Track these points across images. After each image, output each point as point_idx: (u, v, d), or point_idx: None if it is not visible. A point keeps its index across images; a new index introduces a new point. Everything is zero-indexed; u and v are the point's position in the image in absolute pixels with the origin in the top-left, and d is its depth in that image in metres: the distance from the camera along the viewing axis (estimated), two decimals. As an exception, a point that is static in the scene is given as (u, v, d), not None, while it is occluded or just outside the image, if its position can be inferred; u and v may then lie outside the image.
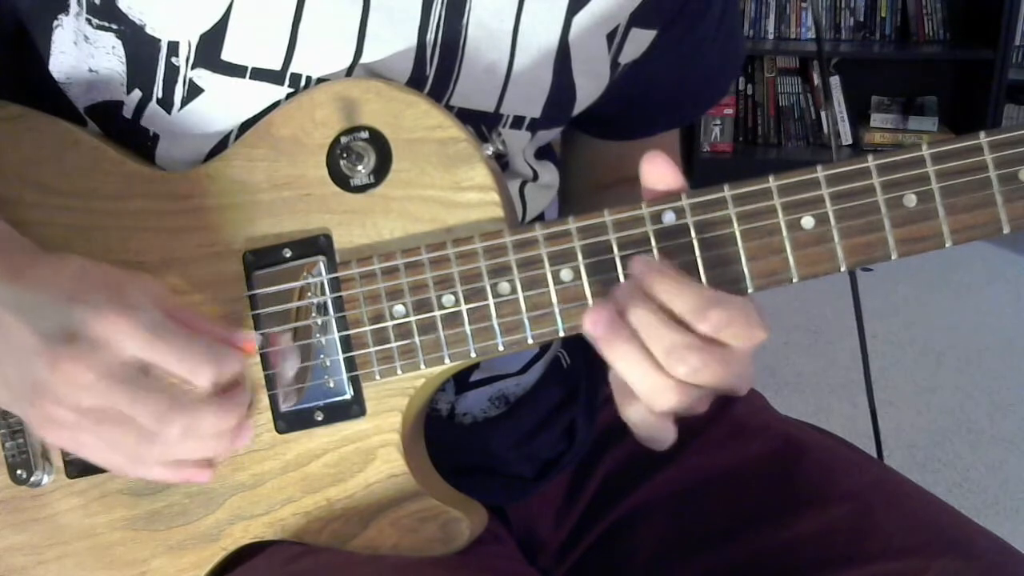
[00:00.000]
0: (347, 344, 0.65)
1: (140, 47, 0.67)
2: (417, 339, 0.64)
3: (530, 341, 0.63)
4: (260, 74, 0.67)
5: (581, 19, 0.72)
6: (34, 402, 0.58)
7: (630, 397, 0.59)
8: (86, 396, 0.57)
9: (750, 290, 0.60)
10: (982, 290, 2.85)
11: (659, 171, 0.60)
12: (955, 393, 2.36)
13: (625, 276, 0.60)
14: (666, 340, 0.56)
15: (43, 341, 0.57)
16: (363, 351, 0.64)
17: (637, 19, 0.75)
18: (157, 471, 0.61)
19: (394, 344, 0.64)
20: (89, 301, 0.57)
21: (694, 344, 0.56)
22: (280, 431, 0.66)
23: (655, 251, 0.60)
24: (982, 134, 0.58)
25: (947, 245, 0.59)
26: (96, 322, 0.57)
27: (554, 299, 0.62)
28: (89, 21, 0.67)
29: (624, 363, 0.58)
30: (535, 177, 0.78)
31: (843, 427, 0.84)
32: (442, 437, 0.72)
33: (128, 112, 0.69)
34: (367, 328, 0.64)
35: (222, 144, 0.68)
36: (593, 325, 0.58)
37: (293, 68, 0.67)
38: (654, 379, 0.57)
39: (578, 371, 0.82)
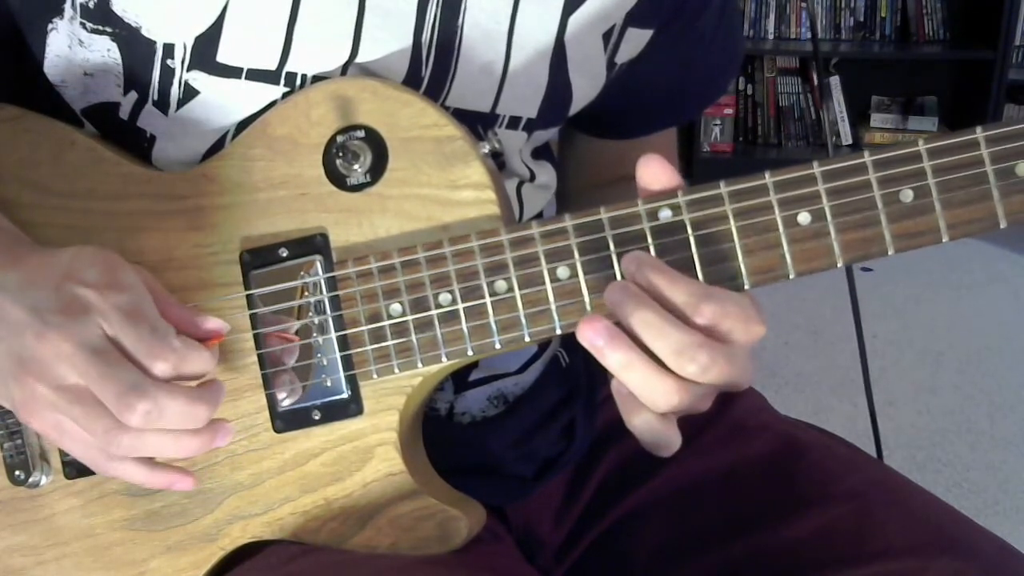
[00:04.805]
0: (344, 343, 0.64)
1: (135, 50, 0.67)
2: (414, 337, 0.64)
3: (527, 339, 0.63)
4: (256, 74, 0.67)
5: (577, 19, 0.72)
6: (18, 377, 0.58)
7: (635, 406, 0.59)
8: (65, 369, 0.57)
9: (747, 286, 0.60)
10: (982, 290, 2.85)
11: (654, 172, 0.60)
12: (955, 393, 2.35)
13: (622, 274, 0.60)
14: (673, 340, 0.56)
15: (35, 315, 0.57)
16: (360, 350, 0.64)
17: (633, 19, 0.75)
18: (132, 468, 0.60)
19: (391, 343, 0.64)
20: (81, 276, 0.58)
21: (704, 342, 0.56)
22: (278, 430, 0.66)
23: (651, 248, 0.60)
24: (978, 129, 0.58)
25: (944, 240, 0.58)
26: (84, 293, 0.57)
27: (551, 297, 0.62)
28: (83, 25, 0.67)
29: (626, 370, 0.57)
30: (532, 177, 0.78)
31: (843, 427, 0.84)
32: (441, 437, 0.72)
33: (124, 113, 0.69)
34: (364, 327, 0.64)
35: (219, 144, 0.68)
36: (594, 335, 0.57)
37: (288, 67, 0.67)
38: (656, 381, 0.57)
39: (577, 370, 0.82)
